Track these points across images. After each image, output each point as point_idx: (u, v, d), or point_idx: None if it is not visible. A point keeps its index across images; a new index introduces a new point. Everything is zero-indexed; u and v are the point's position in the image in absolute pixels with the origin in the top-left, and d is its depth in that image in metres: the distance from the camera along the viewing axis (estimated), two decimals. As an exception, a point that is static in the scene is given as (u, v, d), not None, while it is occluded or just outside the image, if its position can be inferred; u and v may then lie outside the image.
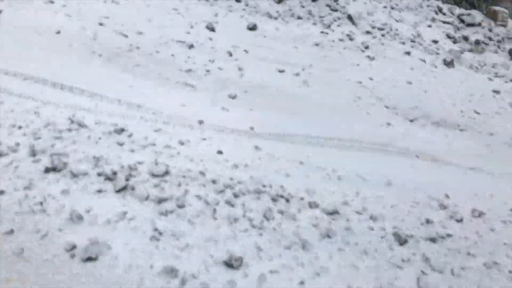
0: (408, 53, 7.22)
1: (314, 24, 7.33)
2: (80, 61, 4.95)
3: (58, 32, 5.28)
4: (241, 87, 5.53)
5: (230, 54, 6.08)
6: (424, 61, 7.17)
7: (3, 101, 3.85)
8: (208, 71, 5.63)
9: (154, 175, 3.57)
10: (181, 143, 4.08)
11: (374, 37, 7.33)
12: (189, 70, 5.52)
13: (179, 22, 6.40)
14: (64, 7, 5.83)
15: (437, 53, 7.44)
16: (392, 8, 8.08)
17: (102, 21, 5.79)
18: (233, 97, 5.35)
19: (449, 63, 7.28)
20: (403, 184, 4.28)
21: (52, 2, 5.83)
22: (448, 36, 7.89)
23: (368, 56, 6.91)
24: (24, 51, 4.81)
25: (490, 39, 8.05)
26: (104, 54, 5.20)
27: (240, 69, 5.84)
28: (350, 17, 7.52)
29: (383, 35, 7.43)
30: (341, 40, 7.10)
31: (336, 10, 7.57)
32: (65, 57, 4.91)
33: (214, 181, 3.69)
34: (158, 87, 5.06)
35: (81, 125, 3.81)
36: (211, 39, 6.26)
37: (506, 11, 8.56)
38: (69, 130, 3.72)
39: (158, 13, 6.41)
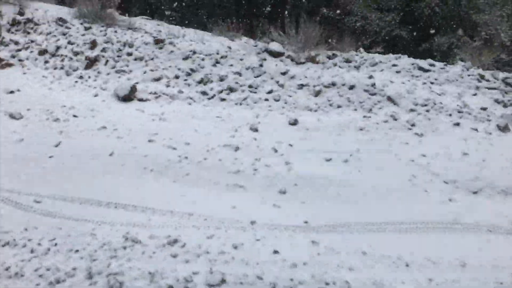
0: (457, 124, 6.99)
1: (355, 110, 7.38)
2: (133, 178, 5.20)
3: (111, 154, 5.65)
4: (290, 181, 5.50)
5: (276, 151, 6.15)
6: (476, 130, 6.88)
7: (61, 226, 4.03)
8: (256, 170, 5.68)
9: (210, 285, 3.45)
10: (235, 247, 3.99)
11: (419, 114, 7.22)
12: (237, 172, 5.60)
13: (223, 128, 6.69)
14: (116, 130, 6.32)
15: (489, 120, 7.15)
16: (432, 83, 8.04)
17: (152, 138, 6.17)
18: (283, 192, 5.30)
19: (503, 128, 6.93)
20: (480, 264, 3.86)
21: (105, 128, 6.35)
22: (497, 102, 7.62)
23: (416, 133, 6.75)
24: (81, 176, 5.14)
25: (543, 97, 7.68)
26: (155, 168, 5.44)
27: (287, 163, 5.86)
28: (390, 98, 7.53)
29: (427, 111, 7.30)
30: (385, 121, 7.04)
31: (374, 94, 7.64)
32: (118, 176, 5.19)
33: (273, 285, 3.50)
34: (209, 192, 5.13)
35: (135, 241, 3.85)
36: (255, 139, 6.42)
37: (553, 67, 8.28)
38: (124, 248, 3.77)
39: (203, 123, 6.76)
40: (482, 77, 8.15)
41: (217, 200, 4.97)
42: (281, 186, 5.37)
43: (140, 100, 7.39)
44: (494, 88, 7.90)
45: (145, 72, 8.00)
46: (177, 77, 7.97)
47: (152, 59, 8.35)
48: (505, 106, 7.56)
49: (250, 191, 5.27)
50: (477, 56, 9.40)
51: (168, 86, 7.75)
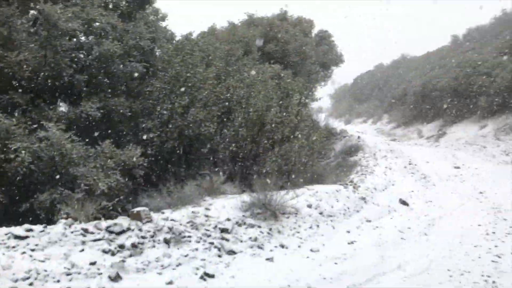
0: (68, 289, 6.32)
1: None
2: None
3: None
4: None
5: None
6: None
7: None
8: None
9: None
10: None
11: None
12: None
13: None
14: None
15: (100, 273, 6.88)
16: (33, 250, 7.01)
17: None
18: None
19: (115, 278, 6.82)
20: None
21: None
22: (105, 252, 7.51)
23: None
24: None
25: (143, 237, 8.19)
26: None
27: None
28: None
29: (31, 284, 6.27)
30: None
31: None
32: None
33: None
34: None
35: None
36: None
37: (147, 208, 9.11)
38: None
39: None
40: (86, 230, 7.97)
41: None
42: None
43: None
44: (100, 239, 7.83)
45: None
46: None
47: None
48: (113, 254, 7.56)
49: None
50: (80, 208, 9.34)
51: None
